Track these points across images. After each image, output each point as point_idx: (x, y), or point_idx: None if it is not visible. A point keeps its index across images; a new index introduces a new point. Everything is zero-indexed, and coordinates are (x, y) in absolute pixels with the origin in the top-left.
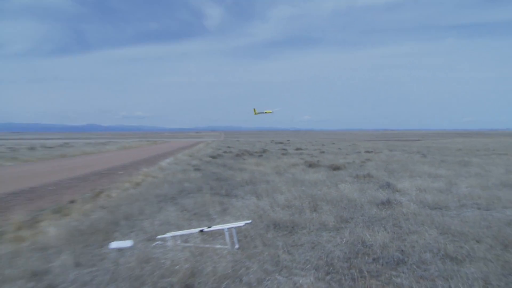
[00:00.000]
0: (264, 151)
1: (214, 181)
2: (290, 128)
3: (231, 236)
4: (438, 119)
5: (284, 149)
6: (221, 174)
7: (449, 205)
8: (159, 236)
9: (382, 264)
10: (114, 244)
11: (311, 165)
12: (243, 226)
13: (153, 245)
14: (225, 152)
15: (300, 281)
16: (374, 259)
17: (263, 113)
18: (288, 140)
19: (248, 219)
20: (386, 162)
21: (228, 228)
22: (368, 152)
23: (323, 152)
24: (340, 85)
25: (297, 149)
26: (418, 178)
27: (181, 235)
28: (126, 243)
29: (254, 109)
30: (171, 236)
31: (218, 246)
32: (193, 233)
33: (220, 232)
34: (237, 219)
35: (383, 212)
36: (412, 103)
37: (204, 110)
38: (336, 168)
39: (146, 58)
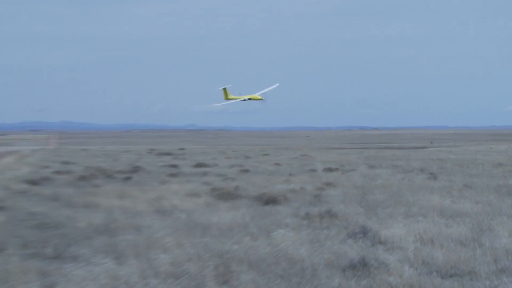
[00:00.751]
0: (136, 169)
1: (32, 230)
2: (186, 125)
3: None
4: (459, 109)
5: (173, 166)
6: (47, 215)
7: (477, 270)
8: None
9: None
10: None
11: (223, 196)
12: None
13: None
14: (58, 172)
15: None
16: None
17: (244, 100)
18: (182, 149)
19: None
20: (362, 189)
21: None
22: (330, 170)
23: (246, 170)
24: (276, 45)
25: (199, 165)
26: (421, 218)
27: None
28: None
29: (225, 90)
30: None
31: None
32: None
33: None
34: None
35: (354, 283)
36: (410, 82)
37: (16, 91)
38: (269, 200)
39: None
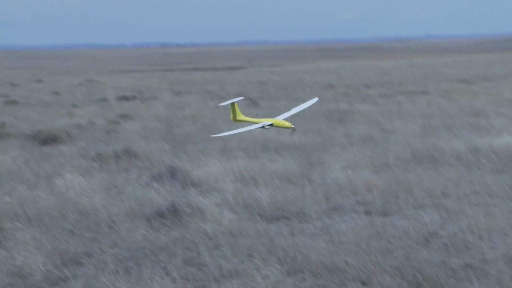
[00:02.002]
0: None
1: None
2: None
3: None
4: (281, 20)
5: None
6: None
7: (306, 210)
8: None
9: None
10: None
11: None
12: None
13: None
14: None
15: None
16: None
17: (262, 127)
18: None
19: None
20: (167, 121)
21: None
22: (125, 99)
23: (13, 102)
24: None
25: None
26: (241, 153)
27: None
28: None
29: (233, 107)
30: None
31: None
32: None
33: None
34: None
35: (164, 234)
36: None
37: None
38: (48, 139)
39: None
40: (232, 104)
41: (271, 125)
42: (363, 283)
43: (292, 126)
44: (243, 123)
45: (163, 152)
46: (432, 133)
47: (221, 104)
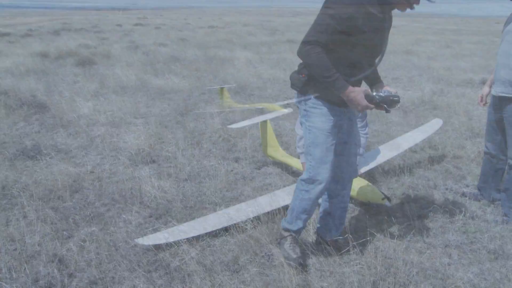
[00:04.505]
0: None
1: None
2: None
3: None
4: None
5: None
6: None
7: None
8: None
9: None
10: None
11: None
12: None
13: None
14: None
15: None
16: None
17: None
18: None
19: None
20: None
21: None
22: None
23: None
24: None
25: None
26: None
27: None
28: None
29: (222, 92)
30: None
31: None
32: None
33: None
34: None
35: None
36: None
37: None
38: None
39: None
40: (222, 89)
41: (262, 109)
42: None
43: (285, 109)
44: (234, 108)
45: None
46: None
47: (209, 87)
